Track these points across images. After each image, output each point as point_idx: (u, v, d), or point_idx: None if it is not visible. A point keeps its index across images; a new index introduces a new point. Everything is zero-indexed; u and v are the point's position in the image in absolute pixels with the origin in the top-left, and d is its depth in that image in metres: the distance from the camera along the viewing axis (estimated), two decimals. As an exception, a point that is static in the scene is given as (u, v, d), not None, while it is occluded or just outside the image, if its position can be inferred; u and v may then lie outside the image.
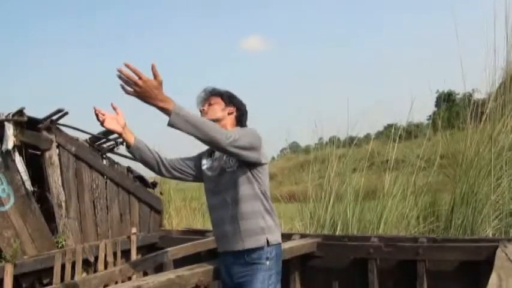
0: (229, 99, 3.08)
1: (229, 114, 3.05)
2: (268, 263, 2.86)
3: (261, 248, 2.86)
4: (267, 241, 2.86)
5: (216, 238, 3.11)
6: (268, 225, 2.91)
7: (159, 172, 3.10)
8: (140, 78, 2.25)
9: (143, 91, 2.27)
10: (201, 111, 3.04)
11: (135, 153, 2.95)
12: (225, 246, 2.97)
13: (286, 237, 4.95)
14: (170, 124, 2.37)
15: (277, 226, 3.03)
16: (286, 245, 4.34)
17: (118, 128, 2.80)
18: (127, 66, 2.24)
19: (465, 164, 5.13)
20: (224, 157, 2.93)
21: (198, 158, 3.18)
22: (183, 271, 3.24)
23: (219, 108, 3.03)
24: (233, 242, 2.89)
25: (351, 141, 7.00)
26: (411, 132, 6.78)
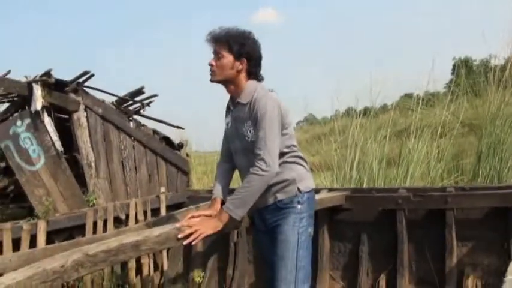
0: (239, 48, 2.68)
1: (239, 71, 2.71)
2: (299, 206, 2.76)
3: (292, 196, 2.77)
4: (298, 189, 2.76)
5: None
6: (298, 173, 2.79)
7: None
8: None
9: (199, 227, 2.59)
10: (209, 66, 2.74)
11: None
12: (258, 203, 2.83)
13: (314, 192, 4.92)
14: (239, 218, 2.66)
15: (308, 172, 2.91)
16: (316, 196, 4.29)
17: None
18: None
19: (490, 114, 4.98)
20: (242, 124, 2.74)
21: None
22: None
23: (227, 65, 2.68)
24: (264, 198, 2.78)
25: (367, 112, 6.87)
26: (428, 101, 6.63)
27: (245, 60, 2.70)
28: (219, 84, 2.78)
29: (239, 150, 2.82)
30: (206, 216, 2.81)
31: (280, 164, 2.69)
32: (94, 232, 5.02)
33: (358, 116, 6.68)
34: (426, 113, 6.42)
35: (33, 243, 4.49)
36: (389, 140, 6.05)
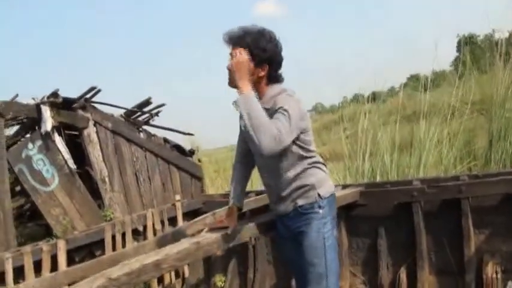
0: (260, 54, 2.51)
1: (260, 77, 2.57)
2: (321, 211, 2.70)
3: (312, 202, 2.71)
4: (318, 195, 2.70)
5: (269, 200, 2.96)
6: (318, 178, 2.73)
7: None
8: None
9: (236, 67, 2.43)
10: (228, 70, 2.58)
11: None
12: (279, 210, 2.84)
13: None
14: (235, 102, 2.44)
15: (327, 174, 2.85)
16: None
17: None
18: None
19: (499, 99, 4.93)
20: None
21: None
22: (204, 237, 3.07)
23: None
24: (285, 205, 2.77)
25: (375, 96, 6.80)
26: (434, 80, 6.57)
27: (266, 66, 2.57)
28: None
29: (256, 154, 2.74)
30: (222, 227, 2.83)
31: (299, 170, 2.66)
32: (113, 246, 5.06)
33: (366, 101, 6.63)
34: (434, 95, 6.37)
35: (53, 262, 4.54)
36: (399, 125, 6.01)
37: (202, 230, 5.17)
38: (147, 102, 5.83)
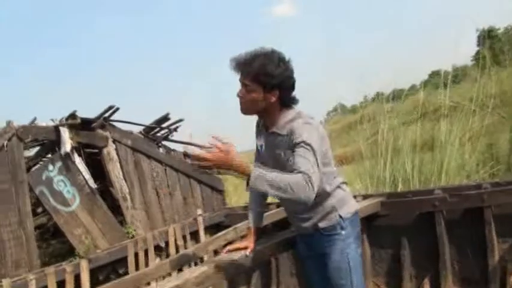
0: (270, 80, 2.41)
1: (271, 102, 2.47)
2: (344, 232, 2.63)
3: (334, 224, 2.64)
4: (340, 216, 2.62)
5: (290, 220, 2.90)
6: (338, 198, 2.63)
7: None
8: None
9: (216, 161, 2.25)
10: (238, 97, 2.51)
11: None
12: (299, 229, 2.80)
13: None
14: (250, 187, 2.26)
15: (347, 193, 2.75)
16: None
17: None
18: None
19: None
20: (279, 153, 2.51)
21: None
22: (224, 261, 3.02)
23: (258, 99, 2.45)
24: (305, 228, 2.72)
25: (396, 94, 6.71)
26: (456, 76, 6.46)
27: (277, 92, 2.45)
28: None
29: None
30: (241, 248, 2.80)
31: (318, 192, 2.44)
32: (136, 263, 5.08)
33: (387, 100, 6.53)
34: (456, 91, 6.26)
35: (77, 281, 4.59)
36: (420, 124, 5.92)
37: (225, 245, 5.22)
38: (165, 118, 5.85)
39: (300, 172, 2.20)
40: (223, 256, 2.88)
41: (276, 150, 2.53)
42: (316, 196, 2.38)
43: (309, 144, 2.31)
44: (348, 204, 2.70)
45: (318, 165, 2.28)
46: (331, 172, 2.63)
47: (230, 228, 4.68)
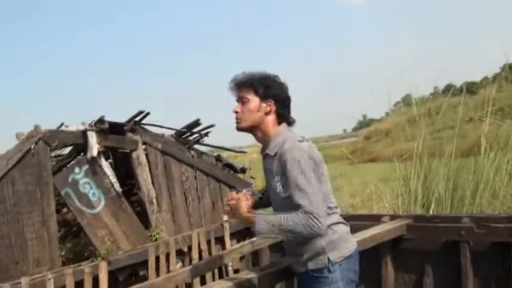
0: (265, 90, 2.45)
1: (266, 113, 2.45)
2: (331, 275, 2.47)
3: (322, 267, 2.48)
4: (328, 259, 2.46)
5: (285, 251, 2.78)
6: (330, 240, 2.46)
7: None
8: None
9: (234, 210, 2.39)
10: (234, 114, 2.52)
11: None
12: (290, 261, 2.72)
13: (375, 218, 4.69)
14: (259, 234, 2.35)
15: (341, 237, 2.54)
16: (375, 230, 4.08)
17: None
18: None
19: None
20: (272, 178, 2.49)
21: None
22: (251, 274, 2.98)
23: (254, 108, 2.44)
24: (296, 263, 2.60)
25: (466, 88, 6.31)
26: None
27: (272, 102, 2.45)
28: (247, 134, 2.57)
29: (273, 201, 2.59)
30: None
31: None
32: (157, 267, 5.05)
33: (457, 92, 6.18)
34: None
35: (95, 282, 4.61)
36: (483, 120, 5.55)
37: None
38: (196, 123, 5.76)
39: (300, 210, 2.23)
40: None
41: (270, 177, 2.49)
42: None
43: (301, 171, 2.29)
44: (339, 247, 2.50)
45: (316, 192, 2.28)
46: (328, 203, 2.47)
47: (247, 242, 4.55)
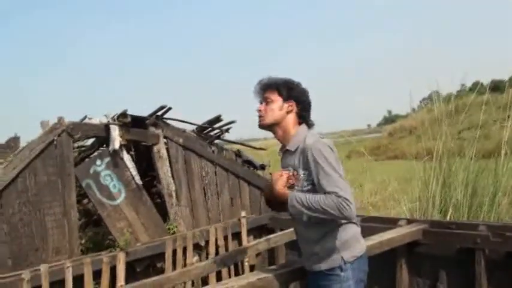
0: (288, 91, 2.63)
1: (288, 112, 2.63)
2: (343, 274, 2.57)
3: (335, 266, 2.59)
4: (342, 258, 2.57)
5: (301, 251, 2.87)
6: (343, 240, 2.58)
7: None
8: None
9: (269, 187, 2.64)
10: (258, 112, 2.69)
11: None
12: (304, 260, 2.79)
13: (392, 222, 4.74)
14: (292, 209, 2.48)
15: (354, 237, 2.65)
16: (391, 234, 4.14)
17: None
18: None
19: None
20: (292, 173, 2.62)
21: None
22: (268, 273, 3.00)
23: (276, 107, 2.62)
24: (310, 261, 2.69)
25: (494, 86, 6.17)
26: None
27: (294, 103, 2.64)
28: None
29: None
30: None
31: (327, 228, 2.55)
32: (174, 260, 5.10)
33: (485, 91, 6.07)
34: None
35: (113, 271, 4.70)
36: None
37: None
38: (217, 119, 5.79)
39: (334, 195, 2.35)
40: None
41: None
42: (324, 233, 2.57)
43: (327, 161, 2.43)
44: (353, 247, 2.64)
45: (343, 179, 2.42)
46: None
47: (263, 239, 4.58)
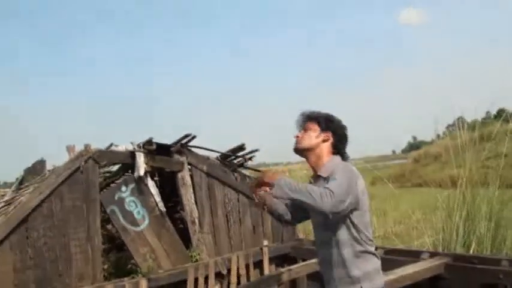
0: (326, 123, 2.72)
1: (324, 141, 2.69)
2: None
3: None
4: None
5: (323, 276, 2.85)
6: (365, 272, 2.58)
7: (286, 219, 2.95)
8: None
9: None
10: (295, 138, 2.76)
11: None
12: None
13: (415, 254, 4.68)
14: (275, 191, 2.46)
15: (376, 269, 2.64)
16: (413, 268, 4.14)
17: None
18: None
19: None
20: None
21: None
22: None
23: (313, 135, 2.69)
24: (330, 286, 2.68)
25: None
26: None
27: (330, 133, 2.71)
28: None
29: (319, 224, 2.71)
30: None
31: (350, 255, 2.56)
32: (196, 286, 5.08)
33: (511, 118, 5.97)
34: None
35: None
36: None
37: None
38: (241, 147, 5.81)
39: (325, 188, 2.34)
40: None
41: None
42: (345, 259, 2.56)
43: (337, 177, 2.43)
44: (373, 279, 2.63)
45: (345, 190, 2.37)
46: (367, 236, 2.61)
47: (293, 266, 4.58)
